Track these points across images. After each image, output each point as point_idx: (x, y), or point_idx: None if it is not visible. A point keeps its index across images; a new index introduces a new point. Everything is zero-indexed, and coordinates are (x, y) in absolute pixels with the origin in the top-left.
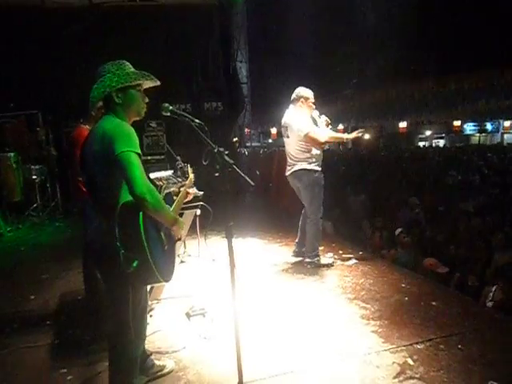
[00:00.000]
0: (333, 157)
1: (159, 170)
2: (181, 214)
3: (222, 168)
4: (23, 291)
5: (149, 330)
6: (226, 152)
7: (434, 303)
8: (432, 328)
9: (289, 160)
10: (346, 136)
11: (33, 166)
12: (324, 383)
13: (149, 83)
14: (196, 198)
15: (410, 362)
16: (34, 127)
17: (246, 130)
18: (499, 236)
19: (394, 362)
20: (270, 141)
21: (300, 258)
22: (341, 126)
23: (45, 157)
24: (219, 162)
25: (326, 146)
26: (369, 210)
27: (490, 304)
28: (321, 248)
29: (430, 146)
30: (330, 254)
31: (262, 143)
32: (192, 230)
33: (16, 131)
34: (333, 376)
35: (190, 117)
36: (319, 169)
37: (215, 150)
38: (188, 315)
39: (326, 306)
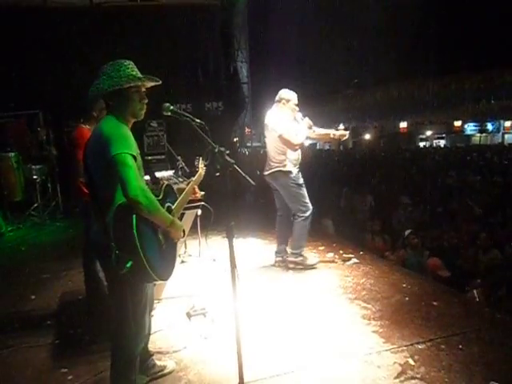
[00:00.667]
0: (334, 156)
1: (160, 170)
2: (182, 215)
3: (223, 168)
4: (24, 291)
5: (150, 329)
6: (227, 152)
7: (435, 303)
8: (433, 328)
9: (267, 160)
10: (332, 132)
11: (33, 166)
12: (325, 383)
13: (149, 83)
14: (197, 199)
15: (411, 362)
16: (34, 127)
17: (247, 129)
18: (482, 236)
19: (395, 362)
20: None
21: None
22: (341, 126)
23: (45, 157)
24: (220, 162)
25: (327, 146)
26: (373, 211)
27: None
28: (321, 248)
29: (431, 146)
30: (331, 254)
31: (263, 143)
32: (193, 230)
33: (17, 131)
34: (334, 376)
35: (190, 116)
36: (296, 169)
37: (216, 150)
38: (189, 315)
39: (326, 306)
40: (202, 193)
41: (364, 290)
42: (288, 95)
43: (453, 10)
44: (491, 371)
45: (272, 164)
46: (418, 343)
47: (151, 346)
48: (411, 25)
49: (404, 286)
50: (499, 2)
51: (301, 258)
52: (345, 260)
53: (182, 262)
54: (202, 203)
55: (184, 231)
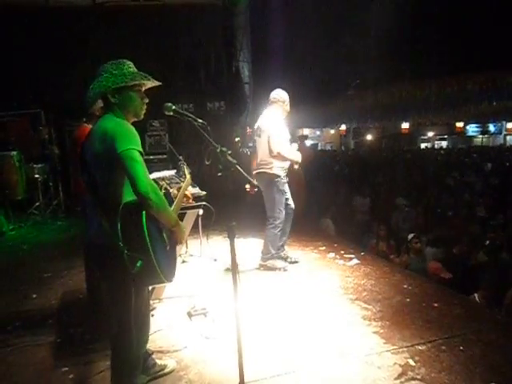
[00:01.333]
0: (336, 157)
1: (162, 170)
2: (183, 214)
3: (225, 168)
4: (25, 290)
5: (150, 329)
6: (229, 152)
7: (435, 304)
8: (434, 329)
9: (256, 160)
10: (293, 158)
11: (35, 165)
12: (325, 383)
13: (149, 84)
14: (198, 198)
15: (412, 363)
16: (36, 126)
17: (248, 129)
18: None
19: (395, 363)
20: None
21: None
22: (343, 127)
23: (47, 155)
24: (222, 162)
25: (329, 147)
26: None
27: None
28: (322, 248)
29: (433, 147)
30: (332, 254)
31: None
32: (194, 230)
33: (19, 130)
34: (334, 376)
35: (192, 116)
36: (282, 174)
37: (218, 150)
38: (189, 315)
39: (327, 306)
40: (204, 192)
41: (365, 291)
42: (280, 96)
43: (455, 11)
44: (492, 373)
45: (260, 165)
46: (418, 344)
47: (152, 346)
48: (413, 25)
49: (405, 287)
50: (502, 2)
51: (270, 261)
52: (346, 260)
53: (183, 261)
54: (204, 203)
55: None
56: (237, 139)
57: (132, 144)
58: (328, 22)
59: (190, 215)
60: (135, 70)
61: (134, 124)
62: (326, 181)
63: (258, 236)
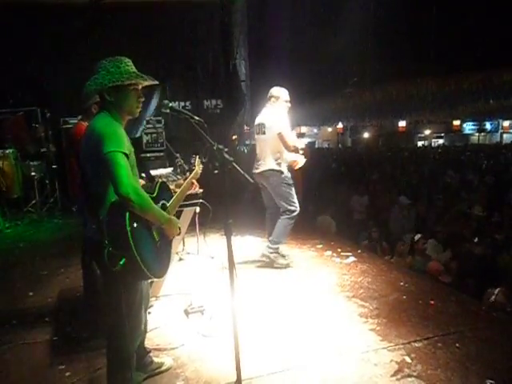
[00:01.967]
0: (332, 155)
1: (158, 167)
2: (180, 212)
3: (222, 165)
4: (22, 288)
5: (147, 326)
6: (226, 149)
7: (432, 302)
8: (430, 326)
9: (258, 158)
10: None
11: (32, 163)
12: (322, 381)
13: (146, 82)
14: (195, 196)
15: (408, 360)
16: (33, 124)
17: (245, 127)
18: (501, 236)
19: (391, 360)
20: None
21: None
22: (340, 125)
23: (44, 153)
24: (219, 160)
25: (326, 145)
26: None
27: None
28: (319, 246)
29: (430, 145)
30: (329, 252)
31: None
32: (191, 228)
33: (15, 128)
34: (331, 373)
35: (189, 114)
36: (286, 169)
37: (215, 148)
38: (186, 312)
39: (324, 304)
40: (201, 190)
41: (361, 289)
42: (280, 92)
43: (452, 9)
44: (488, 370)
45: (264, 163)
46: (414, 341)
47: (149, 343)
48: (410, 24)
49: (401, 284)
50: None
51: (275, 255)
52: (342, 258)
53: (180, 259)
54: (201, 201)
55: (180, 228)
56: (234, 137)
57: (116, 146)
58: (325, 20)
59: (187, 213)
60: (133, 67)
61: (129, 122)
62: (323, 179)
63: (255, 234)
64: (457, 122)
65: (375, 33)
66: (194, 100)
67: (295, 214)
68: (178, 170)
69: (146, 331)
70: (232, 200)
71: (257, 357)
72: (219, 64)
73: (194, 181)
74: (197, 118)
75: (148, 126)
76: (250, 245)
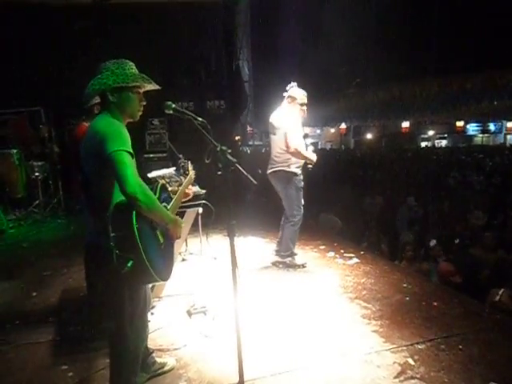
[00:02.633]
0: (335, 155)
1: (161, 168)
2: (183, 213)
3: (225, 167)
4: (25, 288)
5: (150, 327)
6: (229, 150)
7: (435, 303)
8: (433, 328)
9: (271, 158)
10: (308, 156)
11: (35, 163)
12: (325, 382)
13: (149, 86)
14: (198, 197)
15: (411, 361)
16: (36, 124)
17: (249, 128)
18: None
19: (394, 362)
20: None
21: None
22: (343, 125)
23: (47, 154)
24: (222, 161)
25: (329, 146)
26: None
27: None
28: (322, 247)
29: (433, 146)
30: (332, 253)
31: (265, 142)
32: (194, 229)
33: (19, 128)
34: (333, 375)
35: (192, 115)
36: (299, 172)
37: (218, 149)
38: (189, 313)
39: (327, 305)
40: (204, 191)
41: (364, 290)
42: (296, 94)
43: (455, 10)
44: (491, 372)
45: (276, 163)
46: (417, 343)
47: (151, 344)
48: (413, 24)
49: (404, 285)
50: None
51: (289, 258)
52: (345, 259)
53: (183, 260)
54: (204, 201)
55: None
56: (237, 138)
57: (121, 145)
58: (329, 21)
59: (190, 214)
60: (136, 71)
61: (133, 123)
62: (327, 179)
63: (257, 235)
64: (460, 123)
65: (378, 34)
66: (197, 101)
67: (297, 219)
68: (181, 171)
69: (147, 333)
70: (235, 201)
71: (260, 358)
72: (222, 65)
73: (189, 190)
74: (200, 118)
75: (151, 126)
76: (252, 246)
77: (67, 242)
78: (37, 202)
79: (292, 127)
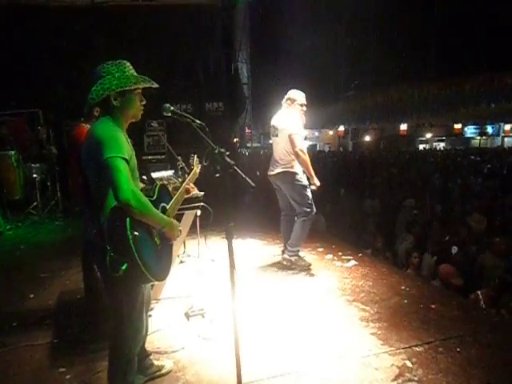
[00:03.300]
0: (333, 158)
1: (160, 170)
2: (181, 215)
3: (223, 169)
4: (22, 290)
5: (148, 329)
6: (227, 153)
7: (433, 306)
8: (431, 331)
9: (273, 160)
10: (312, 173)
11: (33, 165)
12: None
13: (148, 85)
14: (196, 199)
15: (409, 364)
16: (35, 126)
17: (247, 130)
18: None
19: (392, 365)
20: (271, 141)
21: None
22: (342, 128)
23: (45, 155)
24: (220, 163)
25: (327, 148)
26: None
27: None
28: (320, 249)
29: (431, 148)
30: (330, 256)
31: (263, 144)
32: (192, 231)
33: (17, 129)
34: (331, 377)
35: (190, 117)
36: (302, 171)
37: (216, 151)
38: (187, 315)
39: (325, 308)
40: (202, 193)
41: (362, 292)
42: (296, 95)
43: (453, 12)
44: (489, 374)
45: (279, 164)
46: (415, 346)
47: (149, 346)
48: (411, 27)
49: (402, 288)
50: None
51: (295, 258)
52: (343, 262)
53: (181, 262)
54: (202, 204)
55: (180, 231)
56: (235, 140)
57: (116, 152)
58: (327, 24)
59: (188, 215)
60: (134, 71)
61: (131, 124)
62: (325, 181)
63: (256, 237)
64: (458, 126)
65: (376, 36)
66: (195, 103)
67: (311, 215)
68: (180, 173)
69: (146, 334)
70: (233, 203)
71: (257, 360)
72: (221, 67)
73: (192, 184)
74: (198, 121)
75: (150, 128)
76: (250, 248)
77: (65, 243)
78: (34, 203)
79: (295, 129)
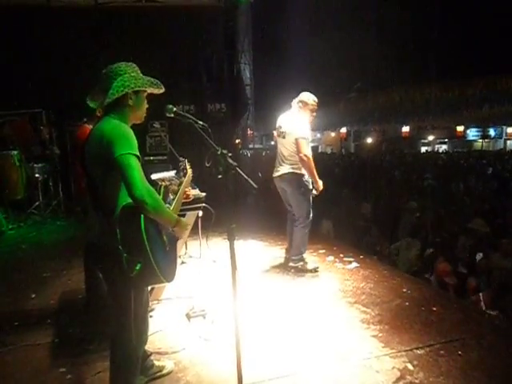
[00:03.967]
0: (335, 159)
1: (162, 171)
2: (183, 215)
3: (225, 170)
4: (24, 289)
5: (149, 330)
6: (230, 154)
7: (434, 308)
8: (432, 333)
9: (278, 161)
10: (316, 178)
11: (36, 165)
12: None
13: (156, 90)
14: (198, 200)
15: (410, 367)
16: (37, 126)
17: (249, 131)
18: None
19: (393, 367)
20: (273, 143)
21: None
22: (344, 130)
23: (48, 155)
24: (222, 165)
25: (329, 150)
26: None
27: (489, 311)
28: (322, 251)
29: (433, 150)
30: (331, 258)
31: (265, 145)
32: (194, 231)
33: (19, 129)
34: (332, 379)
35: (193, 118)
36: (306, 173)
37: (218, 152)
38: (188, 316)
39: (326, 310)
40: (204, 194)
41: (364, 294)
42: (309, 99)
43: (455, 15)
44: (490, 377)
45: (285, 165)
46: (417, 348)
47: (150, 347)
48: (414, 29)
49: (404, 290)
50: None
51: (301, 263)
52: (345, 264)
53: (183, 262)
54: (204, 204)
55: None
56: (237, 141)
57: (128, 149)
58: (330, 26)
59: (190, 216)
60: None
61: (134, 125)
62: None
63: (257, 238)
64: (460, 128)
65: (379, 38)
66: (197, 104)
67: (308, 221)
68: (181, 174)
69: (147, 335)
70: (235, 204)
71: (258, 362)
72: (223, 68)
73: (187, 190)
74: (200, 122)
75: (152, 129)
76: (252, 249)
77: (67, 243)
78: (37, 203)
79: (304, 133)
